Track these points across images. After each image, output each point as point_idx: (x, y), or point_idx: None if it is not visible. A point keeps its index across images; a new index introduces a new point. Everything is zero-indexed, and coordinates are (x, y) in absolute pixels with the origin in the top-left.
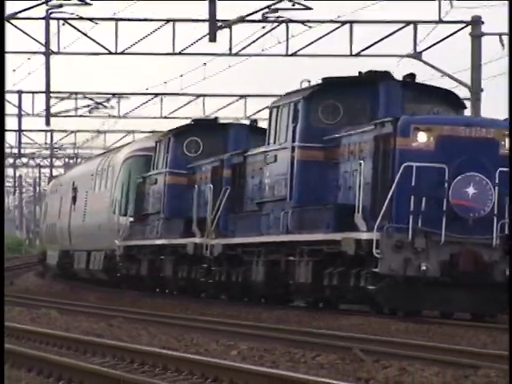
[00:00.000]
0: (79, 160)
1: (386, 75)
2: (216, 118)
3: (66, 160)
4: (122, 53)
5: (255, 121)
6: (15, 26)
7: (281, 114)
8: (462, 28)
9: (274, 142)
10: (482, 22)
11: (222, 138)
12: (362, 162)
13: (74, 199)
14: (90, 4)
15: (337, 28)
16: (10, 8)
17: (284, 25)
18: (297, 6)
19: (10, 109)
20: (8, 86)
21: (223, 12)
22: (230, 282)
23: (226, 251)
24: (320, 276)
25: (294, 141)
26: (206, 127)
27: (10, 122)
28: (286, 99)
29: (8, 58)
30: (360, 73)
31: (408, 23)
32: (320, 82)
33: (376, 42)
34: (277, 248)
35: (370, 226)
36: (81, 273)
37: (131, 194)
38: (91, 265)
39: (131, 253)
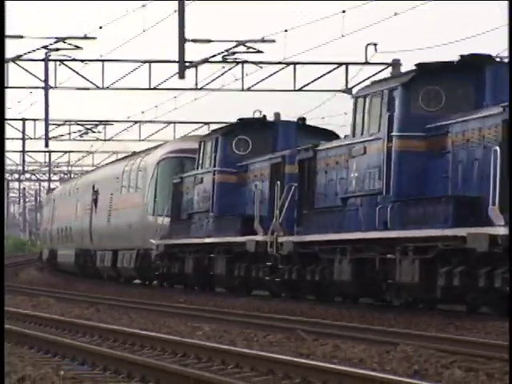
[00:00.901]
0: (72, 175)
1: (491, 59)
2: (264, 117)
3: (62, 175)
4: (108, 88)
5: (304, 119)
6: (19, 66)
7: (370, 104)
8: (384, 69)
9: (362, 134)
10: (401, 64)
11: (271, 136)
12: (497, 147)
13: (95, 201)
14: (81, 48)
15: (283, 68)
16: (15, 51)
17: (240, 65)
18: (250, 50)
19: (15, 133)
20: (13, 114)
21: (191, 54)
22: (303, 281)
23: (298, 249)
24: (432, 275)
25: (390, 130)
26: (254, 126)
27: (16, 145)
28: (376, 87)
29: (13, 91)
30: (462, 56)
31: (341, 64)
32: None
33: (315, 80)
34: (368, 245)
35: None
36: (105, 271)
37: (167, 195)
38: (119, 263)
39: (172, 251)
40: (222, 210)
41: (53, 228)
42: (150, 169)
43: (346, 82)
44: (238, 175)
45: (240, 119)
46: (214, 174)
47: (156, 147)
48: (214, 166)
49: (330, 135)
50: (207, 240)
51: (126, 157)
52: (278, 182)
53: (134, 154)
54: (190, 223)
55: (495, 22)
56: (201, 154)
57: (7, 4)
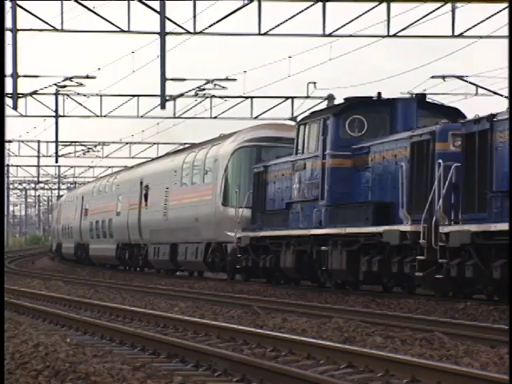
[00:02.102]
0: (77, 185)
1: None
2: (379, 94)
3: (69, 185)
4: (105, 116)
5: (424, 95)
6: (35, 99)
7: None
8: (322, 101)
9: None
10: (334, 98)
11: (389, 115)
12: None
13: (146, 196)
14: (84, 85)
15: (243, 101)
16: (31, 87)
17: (209, 99)
18: (217, 87)
19: (32, 152)
20: (30, 137)
21: (170, 89)
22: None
23: (477, 240)
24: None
25: (324, 150)
26: (369, 104)
27: (32, 161)
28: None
29: (30, 119)
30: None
31: (287, 98)
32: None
33: (268, 110)
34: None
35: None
36: (160, 264)
37: (245, 186)
38: (181, 256)
39: (259, 244)
40: (336, 198)
41: (83, 223)
42: (223, 159)
43: (292, 112)
44: (353, 159)
45: (349, 98)
46: (324, 159)
47: (226, 137)
48: (324, 150)
49: (453, 114)
50: (321, 231)
51: (179, 150)
52: (432, 162)
53: (192, 146)
54: (286, 214)
55: (408, 66)
56: (300, 138)
57: (24, 44)
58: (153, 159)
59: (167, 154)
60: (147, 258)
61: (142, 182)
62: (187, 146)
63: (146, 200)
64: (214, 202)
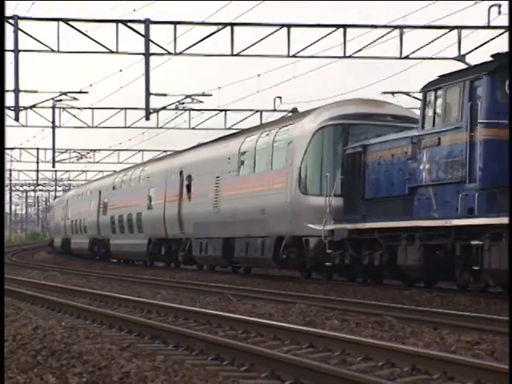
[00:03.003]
0: (71, 187)
1: None
2: None
3: (64, 187)
4: (97, 126)
5: None
6: (35, 111)
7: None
8: (287, 114)
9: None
10: (298, 111)
11: None
12: None
13: (188, 187)
14: (78, 99)
15: (217, 113)
16: (31, 101)
17: (188, 112)
18: (195, 101)
19: (31, 158)
20: (30, 145)
21: (153, 103)
22: None
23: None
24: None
25: (474, 119)
26: None
27: (32, 166)
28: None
29: (30, 129)
30: None
31: (257, 111)
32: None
33: (239, 122)
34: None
35: None
36: (209, 260)
37: (333, 169)
38: (240, 252)
39: (363, 237)
40: (493, 179)
41: (102, 218)
42: (301, 141)
43: (261, 122)
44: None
45: (499, 54)
46: (473, 130)
47: (299, 116)
48: (473, 119)
49: None
50: (475, 221)
51: (229, 136)
52: None
53: (248, 130)
54: (409, 200)
55: (362, 83)
56: (431, 108)
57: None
58: (193, 147)
59: (214, 141)
60: (190, 254)
61: (182, 172)
62: (235, 132)
63: (188, 191)
64: (290, 191)
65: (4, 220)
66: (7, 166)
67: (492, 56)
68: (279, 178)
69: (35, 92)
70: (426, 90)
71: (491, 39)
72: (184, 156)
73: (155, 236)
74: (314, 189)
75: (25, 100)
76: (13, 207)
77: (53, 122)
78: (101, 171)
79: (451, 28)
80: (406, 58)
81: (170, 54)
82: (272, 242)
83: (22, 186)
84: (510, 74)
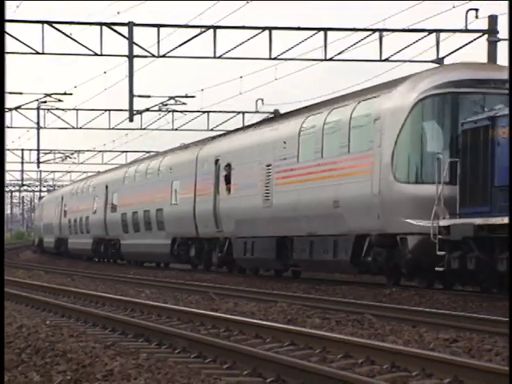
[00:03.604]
0: (56, 188)
1: None
2: None
3: (49, 188)
4: (81, 128)
5: None
6: (20, 113)
7: None
8: (269, 114)
9: None
10: (279, 112)
11: None
12: None
13: (227, 178)
14: (62, 101)
15: (200, 115)
16: (16, 103)
17: (171, 113)
18: (178, 103)
19: (16, 159)
20: (15, 146)
21: (137, 105)
22: None
23: None
24: None
25: None
26: None
27: (17, 166)
28: None
29: (15, 130)
30: None
31: (239, 112)
32: None
33: (222, 123)
34: None
35: None
36: (257, 262)
37: (440, 150)
38: (300, 254)
39: (497, 235)
40: None
41: (110, 216)
42: (396, 116)
43: (243, 124)
44: None
45: None
46: None
47: (387, 86)
48: None
49: None
50: None
51: (281, 116)
52: None
53: (307, 108)
54: None
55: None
56: None
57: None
58: (231, 132)
59: (259, 124)
60: (229, 256)
61: (217, 161)
62: (288, 112)
63: (227, 183)
64: (378, 178)
65: (4, 220)
66: None
67: None
68: (361, 164)
69: (20, 93)
70: None
71: (468, 42)
72: (220, 142)
73: (181, 235)
74: (414, 175)
75: (10, 101)
76: None
77: (37, 123)
78: (85, 172)
79: (430, 31)
80: (386, 60)
81: (153, 56)
82: (350, 241)
83: (7, 186)
84: (509, 74)
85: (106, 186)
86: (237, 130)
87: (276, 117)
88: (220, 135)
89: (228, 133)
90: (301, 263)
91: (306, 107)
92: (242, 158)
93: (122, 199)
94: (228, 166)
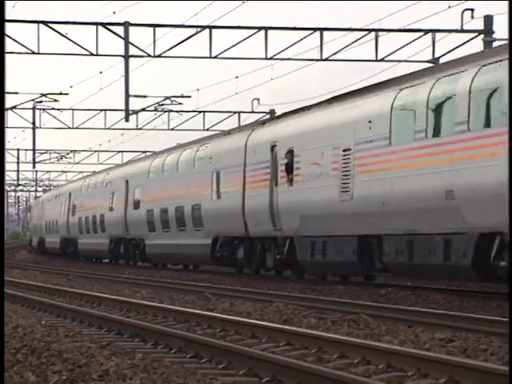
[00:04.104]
0: (51, 188)
1: None
2: None
3: (45, 187)
4: (76, 128)
5: None
6: (15, 113)
7: None
8: (264, 115)
9: None
10: (275, 112)
11: None
12: None
13: (289, 167)
14: (58, 101)
15: (196, 115)
16: (12, 102)
17: (167, 113)
18: (174, 103)
19: (12, 158)
20: (11, 146)
21: (133, 105)
22: None
23: None
24: None
25: None
26: None
27: (13, 166)
28: None
29: (11, 130)
30: None
31: (235, 112)
32: None
33: (217, 123)
34: None
35: None
36: (333, 267)
37: None
38: (397, 257)
39: None
40: None
41: (132, 214)
42: None
43: (239, 124)
44: None
45: None
46: None
47: None
48: None
49: None
50: None
51: (360, 90)
52: None
53: (394, 80)
54: None
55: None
56: None
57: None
58: (288, 113)
59: (327, 102)
60: (290, 258)
61: (274, 148)
62: (368, 86)
63: (289, 173)
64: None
65: (4, 220)
66: None
67: None
68: (490, 143)
69: (16, 93)
70: None
71: (464, 42)
72: (277, 126)
73: (225, 234)
74: None
75: (5, 101)
76: None
77: (33, 123)
78: (81, 172)
79: (425, 31)
80: (382, 60)
81: (149, 56)
82: (470, 241)
83: None
84: (509, 74)
85: (127, 181)
86: (297, 110)
87: (352, 92)
88: (275, 117)
89: (285, 114)
90: (394, 267)
91: (396, 78)
92: (308, 143)
93: (148, 195)
94: (289, 152)
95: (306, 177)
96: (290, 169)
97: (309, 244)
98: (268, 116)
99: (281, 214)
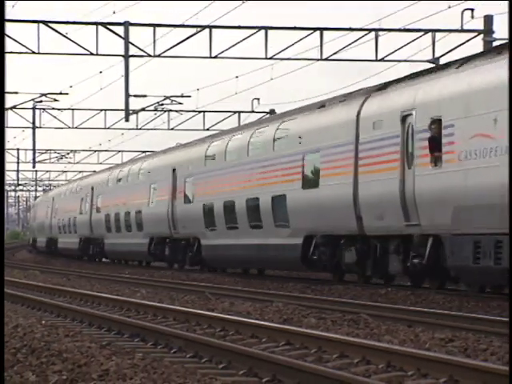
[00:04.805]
0: (51, 187)
1: None
2: None
3: (44, 187)
4: (76, 127)
5: None
6: (15, 112)
7: None
8: (264, 115)
9: None
10: (275, 112)
11: None
12: None
13: (435, 142)
14: (58, 100)
15: (196, 115)
16: (12, 101)
17: (167, 113)
18: (174, 102)
19: (12, 158)
20: (11, 145)
21: (133, 104)
22: None
23: None
24: None
25: None
26: None
27: (12, 166)
28: None
29: (11, 130)
30: None
31: (235, 112)
32: None
33: (218, 123)
34: None
35: None
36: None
37: None
38: None
39: None
40: None
41: (183, 209)
42: None
43: (239, 124)
44: None
45: None
46: None
47: None
48: None
49: None
50: None
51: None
52: None
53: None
54: None
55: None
56: None
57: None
58: (418, 74)
59: (486, 55)
60: (435, 262)
61: (406, 118)
62: None
63: (434, 150)
64: None
65: (4, 220)
66: None
67: None
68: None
69: (16, 93)
70: None
71: (464, 42)
72: (412, 88)
73: (321, 231)
74: None
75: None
76: None
77: (33, 122)
78: (80, 171)
79: (425, 31)
80: (382, 60)
81: (149, 56)
82: None
83: None
84: (509, 74)
85: (174, 170)
86: (432, 69)
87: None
88: (402, 78)
89: (421, 73)
90: None
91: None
92: (465, 110)
93: (202, 187)
94: (435, 122)
95: (465, 154)
96: (436, 145)
97: (470, 245)
98: (268, 116)
99: (418, 205)
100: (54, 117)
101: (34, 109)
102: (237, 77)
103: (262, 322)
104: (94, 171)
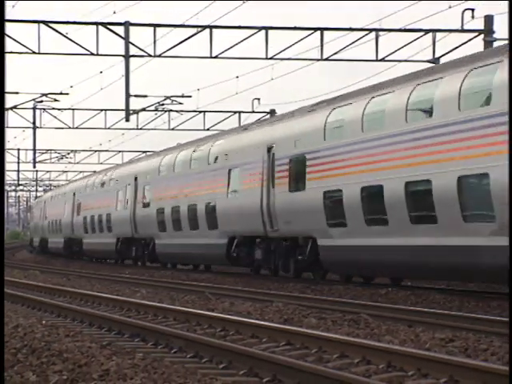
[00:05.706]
0: (52, 187)
1: None
2: None
3: (45, 187)
4: (77, 127)
5: None
6: (16, 113)
7: None
8: (264, 115)
9: None
10: (276, 112)
11: None
12: None
13: None
14: (59, 100)
15: (196, 115)
16: (13, 101)
17: (167, 113)
18: (174, 103)
19: (12, 158)
20: (11, 145)
21: (133, 104)
22: None
23: None
24: None
25: None
26: None
27: (13, 166)
28: None
29: (11, 130)
30: None
31: (235, 112)
32: None
33: (218, 123)
34: None
35: None
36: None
37: None
38: None
39: None
40: None
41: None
42: None
43: (239, 124)
44: None
45: None
46: None
47: None
48: None
49: None
50: None
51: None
52: None
53: None
54: None
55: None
56: None
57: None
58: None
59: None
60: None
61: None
62: None
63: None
64: None
65: (4, 220)
66: None
67: None
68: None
69: (16, 93)
70: None
71: (464, 42)
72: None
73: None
74: None
75: (6, 101)
76: None
77: (33, 122)
78: (81, 171)
79: (426, 31)
80: (382, 60)
81: (149, 56)
82: None
83: None
84: (509, 74)
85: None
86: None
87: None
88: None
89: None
90: None
91: None
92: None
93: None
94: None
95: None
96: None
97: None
98: (269, 115)
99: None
100: (55, 117)
101: (34, 109)
102: (237, 77)
103: (263, 322)
104: (94, 171)
